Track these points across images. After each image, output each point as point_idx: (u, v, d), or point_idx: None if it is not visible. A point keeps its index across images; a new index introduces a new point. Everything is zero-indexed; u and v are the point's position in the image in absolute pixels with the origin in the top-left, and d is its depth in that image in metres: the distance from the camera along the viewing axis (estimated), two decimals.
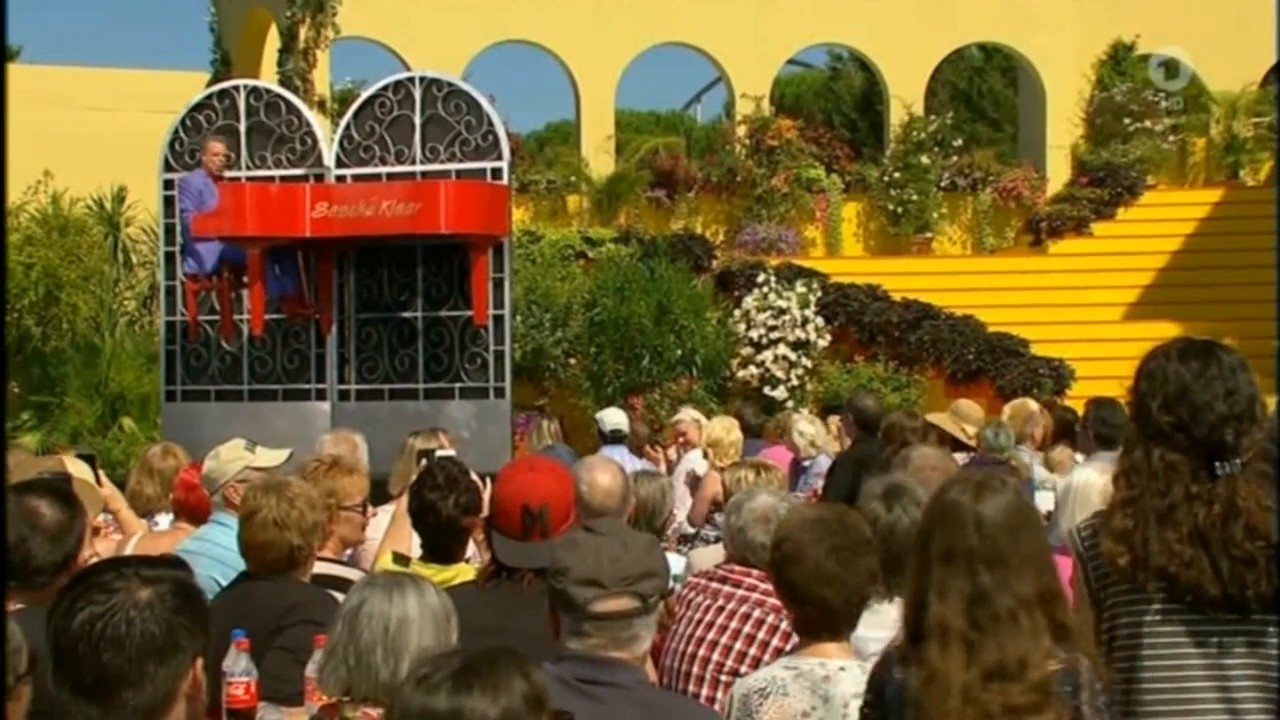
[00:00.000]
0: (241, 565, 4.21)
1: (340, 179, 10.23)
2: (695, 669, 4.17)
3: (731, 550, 4.44)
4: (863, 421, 8.45)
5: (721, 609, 4.23)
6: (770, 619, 4.14)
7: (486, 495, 3.84)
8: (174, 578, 2.40)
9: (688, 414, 10.59)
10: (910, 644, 2.92)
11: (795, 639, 3.67)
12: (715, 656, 4.15)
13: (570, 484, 3.96)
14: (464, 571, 4.31)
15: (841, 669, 3.43)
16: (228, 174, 10.27)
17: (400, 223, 9.73)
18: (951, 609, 2.82)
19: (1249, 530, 2.98)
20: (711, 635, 4.19)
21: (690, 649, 4.20)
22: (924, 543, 2.94)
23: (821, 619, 3.46)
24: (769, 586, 4.24)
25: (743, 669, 4.03)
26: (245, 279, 10.19)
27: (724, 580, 4.31)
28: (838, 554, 3.42)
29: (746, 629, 4.16)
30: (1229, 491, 3.02)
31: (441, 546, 4.44)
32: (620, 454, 8.94)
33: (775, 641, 4.09)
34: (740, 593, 4.24)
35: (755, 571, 4.26)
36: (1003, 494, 2.92)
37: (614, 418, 9.90)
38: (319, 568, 4.39)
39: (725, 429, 9.10)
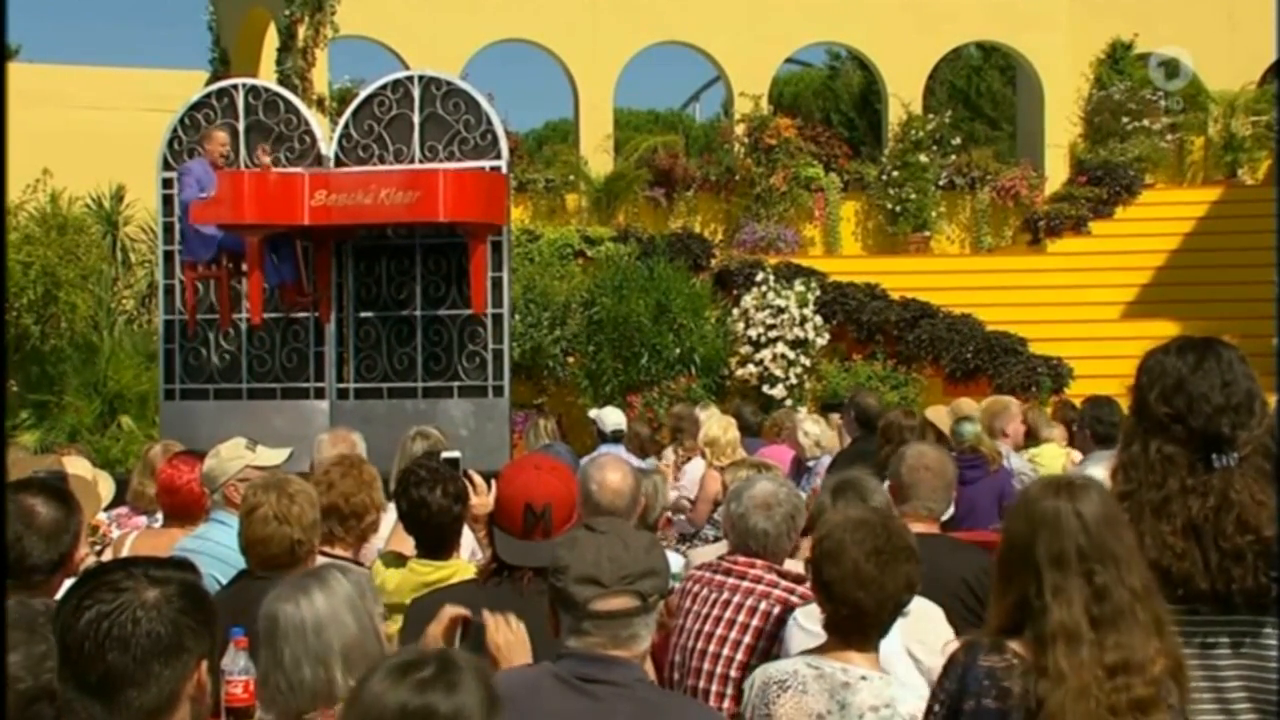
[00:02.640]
0: (242, 564, 4.20)
1: None
2: (706, 665, 4.17)
3: (733, 539, 4.42)
4: (864, 420, 8.44)
5: (728, 602, 4.22)
6: (776, 610, 4.14)
7: (492, 495, 3.83)
8: (182, 579, 2.41)
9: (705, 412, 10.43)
10: (999, 636, 2.85)
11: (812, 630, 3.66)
12: (725, 651, 4.15)
13: (574, 485, 3.94)
14: (464, 569, 4.31)
15: (863, 678, 3.42)
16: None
17: (399, 211, 9.74)
18: (1075, 611, 2.75)
19: (1240, 524, 2.99)
20: (720, 630, 4.18)
21: (700, 645, 4.20)
22: (1024, 548, 2.83)
23: (853, 621, 3.44)
24: (773, 577, 4.24)
25: (753, 661, 4.03)
26: (244, 267, 10.20)
27: (728, 572, 4.30)
28: (878, 556, 3.40)
29: (755, 622, 4.16)
30: (1224, 484, 3.03)
31: (436, 541, 4.45)
32: (619, 453, 8.91)
33: (781, 632, 4.09)
34: (745, 584, 4.23)
35: (759, 562, 4.26)
36: (1094, 491, 2.87)
37: (613, 417, 9.87)
38: (322, 564, 4.38)
39: (722, 428, 9.05)
